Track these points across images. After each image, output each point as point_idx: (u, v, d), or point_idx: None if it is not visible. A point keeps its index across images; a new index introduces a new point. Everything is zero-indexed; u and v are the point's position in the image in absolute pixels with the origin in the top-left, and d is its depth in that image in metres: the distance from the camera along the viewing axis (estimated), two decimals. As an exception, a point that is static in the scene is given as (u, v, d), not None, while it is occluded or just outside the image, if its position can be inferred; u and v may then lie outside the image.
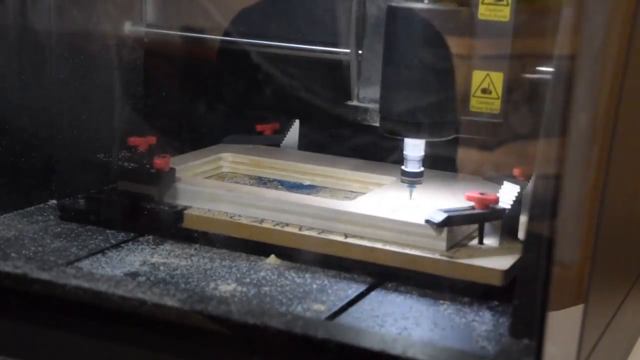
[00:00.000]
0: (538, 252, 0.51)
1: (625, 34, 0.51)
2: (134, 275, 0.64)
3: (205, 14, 0.87)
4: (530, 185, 0.66)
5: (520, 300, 0.53)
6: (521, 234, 0.66)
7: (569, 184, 0.50)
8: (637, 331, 0.73)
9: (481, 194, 0.66)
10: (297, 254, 0.68)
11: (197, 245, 0.71)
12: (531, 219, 0.52)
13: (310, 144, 0.88)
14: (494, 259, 0.64)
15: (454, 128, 0.71)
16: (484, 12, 0.69)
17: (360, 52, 0.75)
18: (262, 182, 0.82)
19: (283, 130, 0.88)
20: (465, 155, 0.79)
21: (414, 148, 0.71)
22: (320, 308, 0.60)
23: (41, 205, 0.79)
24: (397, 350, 0.50)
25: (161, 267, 0.66)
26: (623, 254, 0.65)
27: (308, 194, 0.77)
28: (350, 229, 0.67)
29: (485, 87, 0.70)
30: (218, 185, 0.77)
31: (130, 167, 0.74)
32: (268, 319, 0.53)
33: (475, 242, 0.67)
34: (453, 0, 0.69)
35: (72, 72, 0.81)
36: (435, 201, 0.71)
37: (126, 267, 0.66)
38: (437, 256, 0.64)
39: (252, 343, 0.54)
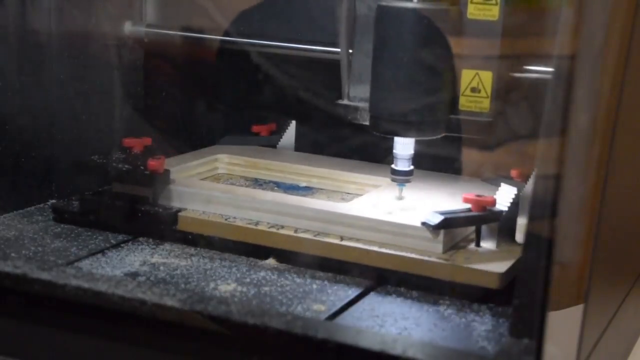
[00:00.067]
0: (538, 252, 0.51)
1: (625, 34, 0.51)
2: (134, 275, 0.64)
3: (205, 14, 0.87)
4: (527, 186, 0.66)
5: (520, 300, 0.53)
6: (518, 236, 0.66)
7: (569, 184, 0.50)
8: (637, 331, 0.73)
9: (478, 196, 0.66)
10: (293, 257, 0.67)
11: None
12: (531, 219, 0.52)
13: (308, 145, 0.87)
14: (491, 262, 0.63)
15: (443, 127, 0.71)
16: (473, 11, 0.69)
17: (350, 51, 0.75)
18: (258, 183, 0.81)
19: (279, 131, 0.88)
20: (456, 155, 0.79)
21: (404, 147, 0.71)
22: (320, 308, 0.60)
23: (41, 205, 0.79)
24: (397, 350, 0.50)
25: (161, 267, 0.66)
26: (623, 254, 0.65)
27: (304, 195, 0.77)
28: (347, 231, 0.67)
29: (474, 86, 0.70)
30: (213, 186, 0.76)
31: (124, 168, 0.73)
32: (268, 319, 0.53)
33: (472, 244, 0.67)
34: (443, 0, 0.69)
35: (72, 72, 0.81)
36: (431, 203, 0.71)
37: (126, 267, 0.66)
38: (433, 259, 0.64)
39: (252, 343, 0.54)
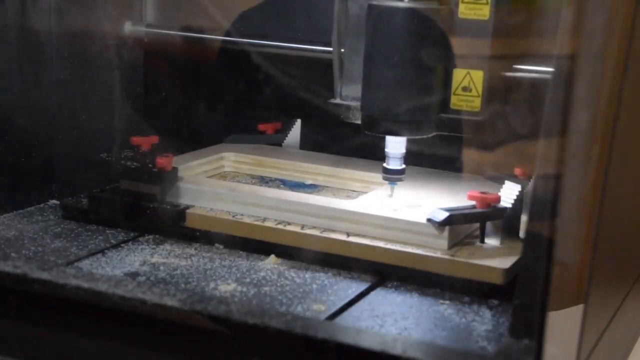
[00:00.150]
0: (538, 252, 0.51)
1: (625, 34, 0.51)
2: (134, 275, 0.64)
3: (205, 13, 0.87)
4: (531, 184, 0.66)
5: (520, 300, 0.53)
6: (522, 233, 0.66)
7: (569, 184, 0.50)
8: (637, 331, 0.73)
9: (482, 193, 0.66)
10: (299, 253, 0.68)
11: (197, 245, 0.71)
12: (531, 219, 0.52)
13: (312, 143, 0.88)
14: (495, 258, 0.64)
15: (435, 126, 0.71)
16: (464, 10, 0.69)
17: (342, 50, 0.75)
18: (264, 181, 0.82)
19: (285, 130, 0.88)
20: (452, 153, 0.79)
21: (395, 145, 0.72)
22: (320, 308, 0.60)
23: (41, 205, 0.79)
24: (397, 350, 0.50)
25: (161, 267, 0.66)
26: (623, 254, 0.65)
27: (310, 193, 0.77)
28: (353, 227, 0.68)
29: (465, 85, 0.70)
30: (220, 184, 0.77)
31: (133, 166, 0.74)
32: (268, 319, 0.53)
33: (476, 241, 0.67)
34: None
35: (72, 72, 0.81)
36: (436, 200, 0.71)
37: (126, 267, 0.66)
38: (438, 255, 0.64)
39: (252, 343, 0.54)
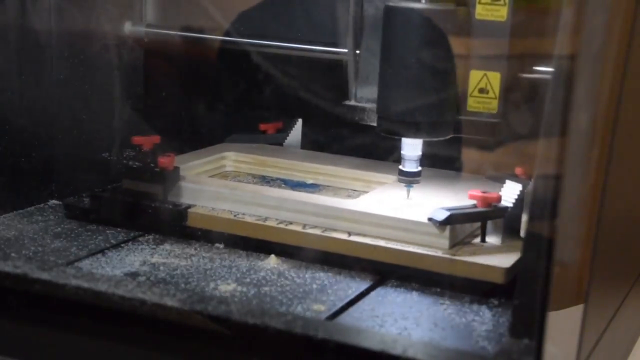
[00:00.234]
0: (538, 252, 0.51)
1: (625, 34, 0.51)
2: (134, 275, 0.64)
3: (205, 13, 0.87)
4: (532, 184, 0.66)
5: (520, 300, 0.53)
6: (523, 232, 0.66)
7: (569, 184, 0.50)
8: (637, 331, 0.73)
9: (483, 192, 0.66)
10: (299, 252, 0.68)
11: (197, 245, 0.71)
12: (531, 219, 0.52)
13: (313, 143, 0.88)
14: (496, 257, 0.64)
15: (452, 128, 0.71)
16: (481, 11, 0.69)
17: (357, 51, 0.75)
18: (266, 180, 0.82)
19: (286, 129, 0.88)
20: (464, 154, 0.79)
21: (412, 148, 0.71)
22: (320, 308, 0.60)
23: (41, 205, 0.79)
24: (397, 350, 0.50)
25: (161, 267, 0.66)
26: (623, 254, 0.65)
27: (311, 192, 0.78)
28: (354, 227, 0.68)
29: (482, 87, 0.70)
30: (222, 183, 0.77)
31: (135, 165, 0.74)
32: (268, 319, 0.53)
33: (477, 240, 0.67)
34: (451, 0, 0.69)
35: (72, 72, 0.81)
36: (437, 199, 0.71)
37: (126, 267, 0.66)
38: (439, 254, 0.64)
39: (252, 343, 0.54)
